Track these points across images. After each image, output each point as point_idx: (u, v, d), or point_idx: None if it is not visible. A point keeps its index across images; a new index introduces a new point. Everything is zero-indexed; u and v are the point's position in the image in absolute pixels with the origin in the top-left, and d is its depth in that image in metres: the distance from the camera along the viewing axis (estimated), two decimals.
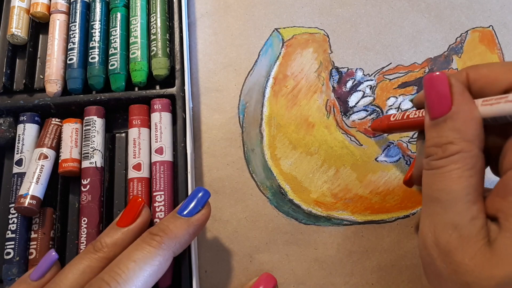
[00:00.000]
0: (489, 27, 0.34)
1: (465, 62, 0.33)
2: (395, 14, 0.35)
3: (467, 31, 0.34)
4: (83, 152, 0.29)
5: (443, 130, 0.20)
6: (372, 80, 0.33)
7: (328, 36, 0.34)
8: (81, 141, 0.30)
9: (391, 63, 0.34)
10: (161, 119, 0.29)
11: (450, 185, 0.20)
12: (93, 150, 0.29)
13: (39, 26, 0.34)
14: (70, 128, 0.29)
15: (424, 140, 0.22)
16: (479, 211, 0.19)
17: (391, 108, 0.32)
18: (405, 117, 0.26)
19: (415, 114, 0.25)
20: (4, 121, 0.30)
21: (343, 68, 0.34)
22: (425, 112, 0.21)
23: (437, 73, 0.21)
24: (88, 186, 0.28)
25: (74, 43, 0.32)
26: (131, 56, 0.32)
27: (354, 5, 0.35)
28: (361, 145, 0.31)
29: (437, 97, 0.21)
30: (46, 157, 0.29)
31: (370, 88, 0.33)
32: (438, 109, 0.20)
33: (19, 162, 0.29)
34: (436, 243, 0.20)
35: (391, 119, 0.27)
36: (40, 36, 0.34)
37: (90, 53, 0.32)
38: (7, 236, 0.27)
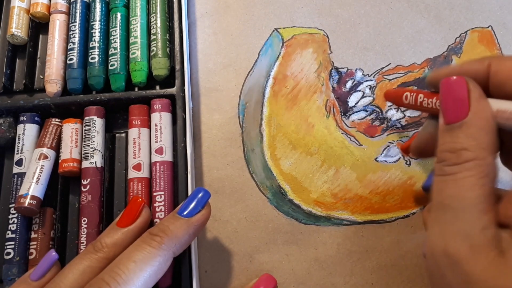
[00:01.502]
0: (488, 27, 0.34)
1: None
2: (394, 15, 0.35)
3: (466, 32, 0.34)
4: (83, 152, 0.29)
5: (458, 136, 0.20)
6: (371, 80, 0.33)
7: (327, 37, 0.34)
8: (81, 141, 0.30)
9: (390, 64, 0.34)
10: (161, 119, 0.29)
11: (463, 192, 0.19)
12: (93, 150, 0.29)
13: (39, 26, 0.34)
14: (70, 128, 0.30)
15: (433, 119, 0.21)
16: (490, 221, 0.19)
17: (391, 108, 0.33)
18: (418, 104, 0.25)
19: (428, 103, 0.24)
20: (4, 121, 0.30)
21: (343, 68, 0.34)
22: (440, 115, 0.21)
23: (455, 77, 0.20)
24: (88, 186, 0.28)
25: (74, 43, 0.32)
26: (131, 56, 0.32)
27: (353, 5, 0.35)
28: (361, 145, 0.32)
29: (454, 102, 0.20)
30: (46, 157, 0.29)
31: (370, 88, 0.33)
32: (454, 115, 0.20)
33: (19, 162, 0.29)
34: (445, 252, 0.19)
35: (404, 101, 0.26)
36: (40, 36, 0.34)
37: (90, 53, 0.32)
38: (7, 236, 0.27)
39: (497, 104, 0.20)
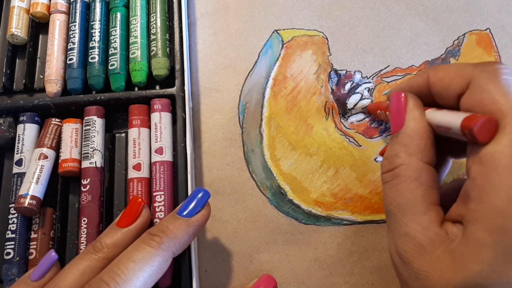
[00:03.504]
0: (486, 29, 0.35)
1: None
2: (393, 17, 0.35)
3: (464, 34, 0.35)
4: (83, 152, 0.29)
5: (394, 144, 0.22)
6: (370, 82, 0.33)
7: (327, 39, 0.35)
8: (81, 141, 0.29)
9: (389, 66, 0.34)
10: (161, 119, 0.29)
11: (397, 198, 0.21)
12: (93, 150, 0.29)
13: (39, 26, 0.34)
14: (70, 128, 0.29)
15: None
16: (430, 221, 0.20)
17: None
18: (387, 117, 0.28)
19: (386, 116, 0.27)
20: (4, 121, 0.30)
21: (342, 70, 0.34)
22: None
23: (399, 90, 0.23)
24: (88, 186, 0.28)
25: (74, 43, 0.32)
26: (131, 56, 0.32)
27: (352, 8, 0.36)
28: (360, 146, 0.32)
29: (395, 114, 0.22)
30: (46, 157, 0.29)
31: (368, 91, 0.33)
32: (396, 125, 0.22)
33: (19, 162, 0.29)
34: (397, 253, 0.21)
35: (378, 112, 0.29)
36: (40, 36, 0.34)
37: (90, 53, 0.32)
38: (7, 236, 0.27)
39: (431, 114, 0.21)
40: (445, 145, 0.23)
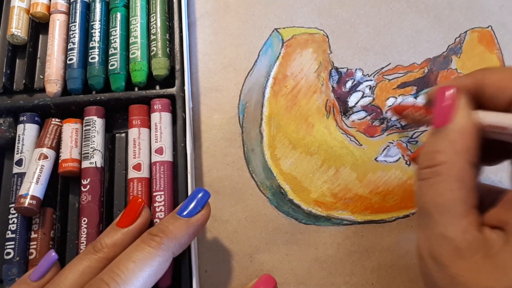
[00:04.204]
0: (488, 27, 0.35)
1: (464, 63, 0.34)
2: (394, 15, 0.35)
3: (466, 32, 0.34)
4: (83, 152, 0.29)
5: (437, 140, 0.21)
6: (371, 80, 0.33)
7: (327, 37, 0.34)
8: (81, 141, 0.30)
9: (390, 64, 0.34)
10: (161, 119, 0.29)
11: (436, 198, 0.20)
12: (93, 150, 0.29)
13: (39, 26, 0.34)
14: (70, 128, 0.29)
15: None
16: (470, 224, 0.19)
17: (391, 108, 0.33)
18: (417, 117, 0.26)
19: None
20: (4, 121, 0.30)
21: (343, 68, 0.34)
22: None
23: (448, 86, 0.21)
24: (88, 186, 0.28)
25: (74, 43, 0.32)
26: (131, 56, 0.32)
27: (353, 5, 0.35)
28: (361, 145, 0.32)
29: (442, 108, 0.21)
30: (46, 157, 0.29)
31: (370, 88, 0.33)
32: (441, 120, 0.21)
33: (19, 162, 0.29)
34: (431, 255, 0.20)
35: (406, 112, 0.27)
36: (40, 36, 0.34)
37: (90, 53, 0.32)
38: (7, 236, 0.27)
39: (484, 115, 0.21)
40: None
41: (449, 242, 0.19)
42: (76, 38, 0.32)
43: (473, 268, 0.18)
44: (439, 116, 0.21)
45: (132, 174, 0.28)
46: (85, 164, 0.29)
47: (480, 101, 0.22)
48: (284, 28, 0.35)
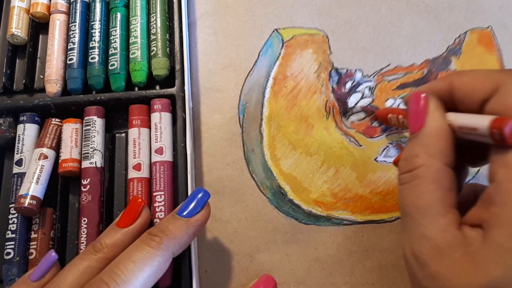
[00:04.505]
0: (487, 28, 0.35)
1: (464, 63, 0.34)
2: (394, 16, 0.35)
3: (465, 32, 0.35)
4: (83, 152, 0.29)
5: (413, 145, 0.21)
6: (371, 81, 0.33)
7: (327, 37, 0.34)
8: (81, 141, 0.30)
9: (390, 64, 0.34)
10: (161, 119, 0.29)
11: (416, 200, 0.20)
12: (93, 150, 0.29)
13: (39, 26, 0.34)
14: (70, 128, 0.29)
15: None
16: (449, 223, 0.20)
17: None
18: (399, 122, 0.27)
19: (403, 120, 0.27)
20: (4, 121, 0.30)
21: (342, 69, 0.34)
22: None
23: (420, 91, 0.22)
24: (88, 186, 0.28)
25: (74, 43, 0.32)
26: (131, 56, 0.32)
27: (353, 6, 0.35)
28: (360, 145, 0.32)
29: (415, 114, 0.22)
30: (46, 157, 0.29)
31: (369, 89, 0.33)
32: (415, 125, 0.22)
33: (19, 162, 0.29)
34: (413, 255, 0.20)
35: (388, 116, 0.29)
36: (40, 36, 0.34)
37: (90, 53, 0.32)
38: (7, 236, 0.27)
39: (453, 116, 0.21)
40: (463, 152, 0.23)
41: (429, 242, 0.20)
42: (76, 38, 0.32)
43: (453, 265, 0.19)
44: (413, 121, 0.22)
45: (132, 174, 0.28)
46: (85, 164, 0.29)
47: (454, 104, 0.22)
48: (284, 28, 0.35)
